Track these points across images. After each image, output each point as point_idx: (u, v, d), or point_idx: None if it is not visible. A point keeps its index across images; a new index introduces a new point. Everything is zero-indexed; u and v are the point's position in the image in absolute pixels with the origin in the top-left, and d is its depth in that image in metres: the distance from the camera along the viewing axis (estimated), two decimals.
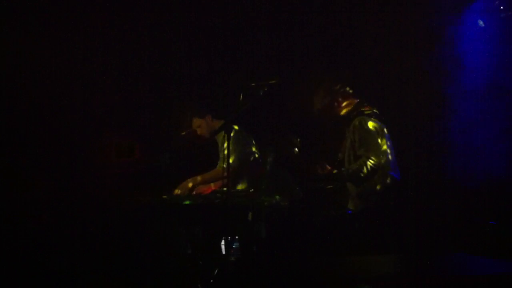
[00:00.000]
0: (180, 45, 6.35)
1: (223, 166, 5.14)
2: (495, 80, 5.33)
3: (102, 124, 6.60)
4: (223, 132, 5.08)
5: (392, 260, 4.32)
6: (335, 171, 4.88)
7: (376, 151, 4.80)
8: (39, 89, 6.31)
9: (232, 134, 4.97)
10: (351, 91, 5.11)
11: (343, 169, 4.91)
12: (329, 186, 4.95)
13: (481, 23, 5.26)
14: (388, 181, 4.83)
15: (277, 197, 4.71)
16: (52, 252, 5.63)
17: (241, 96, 4.85)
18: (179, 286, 4.90)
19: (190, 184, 5.46)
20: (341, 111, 5.07)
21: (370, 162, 4.75)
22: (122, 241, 5.55)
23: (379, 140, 4.86)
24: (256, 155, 5.54)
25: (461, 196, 5.39)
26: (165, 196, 5.14)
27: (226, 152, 4.70)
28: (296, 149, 4.90)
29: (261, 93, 4.80)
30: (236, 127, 5.28)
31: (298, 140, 4.94)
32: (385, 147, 4.88)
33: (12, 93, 6.20)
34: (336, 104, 5.07)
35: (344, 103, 5.08)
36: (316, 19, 6.00)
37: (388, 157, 4.86)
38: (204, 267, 4.93)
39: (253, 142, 5.59)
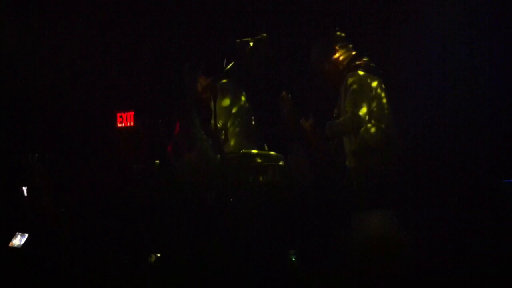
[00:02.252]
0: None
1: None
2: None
3: (104, 95, 6.59)
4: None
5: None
6: None
7: (362, 105, 4.54)
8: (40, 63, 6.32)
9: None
10: (350, 45, 4.88)
11: (328, 122, 4.70)
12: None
13: None
14: (383, 136, 4.61)
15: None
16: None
17: (229, 53, 4.77)
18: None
19: None
20: (338, 65, 4.85)
21: (354, 117, 4.51)
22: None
23: (369, 94, 4.59)
24: (246, 105, 5.32)
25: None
26: (157, 161, 5.07)
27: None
28: (288, 105, 4.72)
29: (248, 49, 4.70)
30: (224, 81, 5.08)
31: (289, 96, 4.75)
32: (376, 101, 4.63)
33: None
34: (333, 57, 4.85)
35: (341, 57, 4.85)
36: None
37: (380, 111, 4.63)
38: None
39: (243, 93, 5.35)
